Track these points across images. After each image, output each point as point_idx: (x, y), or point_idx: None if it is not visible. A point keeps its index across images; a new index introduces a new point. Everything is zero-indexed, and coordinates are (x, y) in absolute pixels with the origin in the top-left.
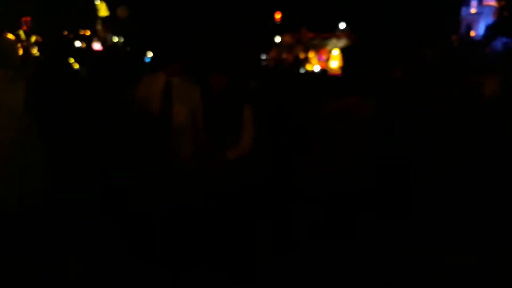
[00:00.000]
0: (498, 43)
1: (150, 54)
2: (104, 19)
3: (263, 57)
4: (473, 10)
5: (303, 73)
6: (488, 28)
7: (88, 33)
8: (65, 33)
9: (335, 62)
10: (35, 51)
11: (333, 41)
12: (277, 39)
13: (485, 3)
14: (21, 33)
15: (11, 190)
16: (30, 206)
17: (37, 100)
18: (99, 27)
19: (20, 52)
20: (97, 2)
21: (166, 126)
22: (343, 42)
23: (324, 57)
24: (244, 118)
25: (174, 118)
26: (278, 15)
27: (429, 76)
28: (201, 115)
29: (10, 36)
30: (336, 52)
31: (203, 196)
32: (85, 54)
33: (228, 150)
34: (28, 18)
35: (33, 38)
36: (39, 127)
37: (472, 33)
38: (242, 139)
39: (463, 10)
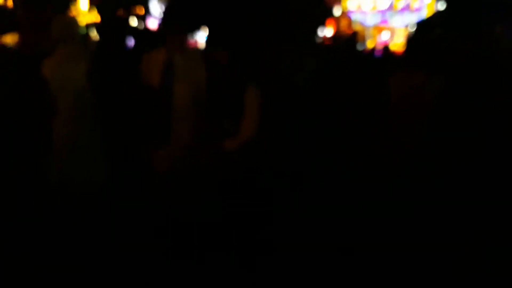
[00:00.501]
0: None
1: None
2: None
3: (321, 33)
4: None
5: (361, 50)
6: None
7: (142, 11)
8: (120, 12)
9: (399, 38)
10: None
11: (397, 17)
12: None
13: None
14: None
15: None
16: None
17: (99, 78)
18: (153, 4)
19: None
20: None
21: (165, 106)
22: (408, 18)
23: (387, 33)
24: (246, 102)
25: (174, 98)
26: None
27: (498, 53)
28: (204, 97)
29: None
30: (402, 28)
31: (196, 191)
32: (141, 34)
33: (227, 139)
34: None
35: (90, 18)
36: (100, 104)
37: None
38: (242, 127)
39: None
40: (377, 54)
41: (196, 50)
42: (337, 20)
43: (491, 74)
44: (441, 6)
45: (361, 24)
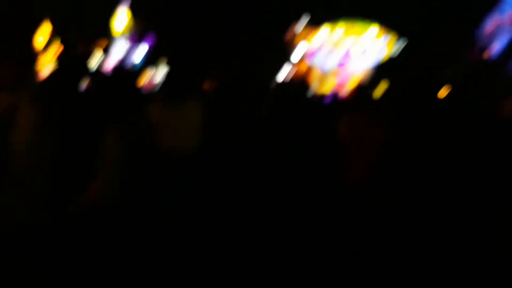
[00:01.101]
0: None
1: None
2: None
3: (280, 77)
4: (489, 29)
5: (311, 96)
6: (505, 48)
7: (103, 45)
8: (81, 48)
9: (356, 83)
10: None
11: (354, 62)
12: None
13: (500, 22)
14: (40, 40)
15: None
16: None
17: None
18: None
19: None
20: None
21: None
22: (365, 63)
23: (345, 77)
24: (104, 150)
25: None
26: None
27: (446, 95)
28: (47, 149)
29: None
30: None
31: None
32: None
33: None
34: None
35: (53, 49)
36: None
37: (489, 52)
38: (93, 184)
39: (479, 28)
40: (327, 100)
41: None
42: (296, 64)
43: (436, 116)
44: (397, 52)
45: (319, 68)
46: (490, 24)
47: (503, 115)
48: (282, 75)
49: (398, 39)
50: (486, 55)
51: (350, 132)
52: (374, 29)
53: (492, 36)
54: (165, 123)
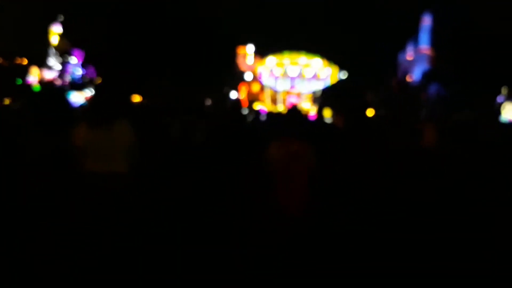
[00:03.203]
0: (433, 88)
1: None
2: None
3: (233, 96)
4: (409, 57)
5: (245, 115)
6: (424, 75)
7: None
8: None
9: (306, 103)
10: None
11: (305, 84)
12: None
13: (420, 51)
14: None
15: None
16: None
17: None
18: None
19: None
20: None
21: None
22: (315, 85)
23: (295, 97)
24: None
25: None
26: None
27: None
28: None
29: None
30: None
31: None
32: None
33: None
34: None
35: None
36: None
37: (409, 78)
38: None
39: (400, 56)
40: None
41: None
42: (249, 84)
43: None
44: (343, 76)
45: (272, 89)
46: (410, 52)
47: (424, 143)
48: (237, 94)
49: (340, 70)
50: (409, 78)
51: (280, 158)
52: (318, 60)
53: (413, 63)
54: (89, 146)
